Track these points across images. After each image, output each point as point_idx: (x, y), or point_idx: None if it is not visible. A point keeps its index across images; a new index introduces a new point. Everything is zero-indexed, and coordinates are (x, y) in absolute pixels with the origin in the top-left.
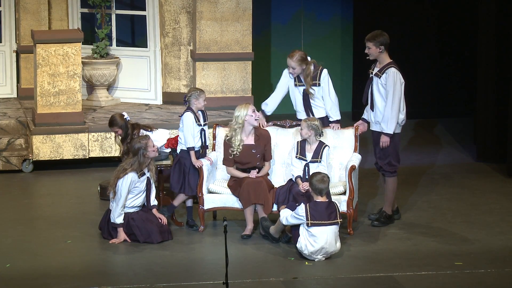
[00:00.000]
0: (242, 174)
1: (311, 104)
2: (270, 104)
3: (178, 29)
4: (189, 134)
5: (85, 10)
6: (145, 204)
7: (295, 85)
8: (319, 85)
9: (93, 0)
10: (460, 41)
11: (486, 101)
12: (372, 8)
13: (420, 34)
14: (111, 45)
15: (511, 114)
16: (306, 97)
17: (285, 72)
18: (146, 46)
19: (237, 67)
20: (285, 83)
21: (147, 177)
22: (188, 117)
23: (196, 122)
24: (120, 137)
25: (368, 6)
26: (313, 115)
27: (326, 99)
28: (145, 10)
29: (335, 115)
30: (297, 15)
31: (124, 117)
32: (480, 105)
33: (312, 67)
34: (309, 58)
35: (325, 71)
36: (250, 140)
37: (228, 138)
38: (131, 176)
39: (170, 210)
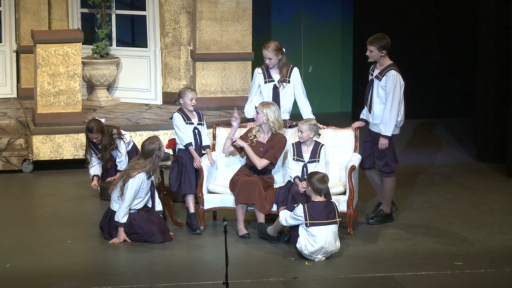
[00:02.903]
0: (265, 162)
1: (279, 103)
2: (251, 110)
3: (178, 29)
4: (180, 133)
5: (85, 10)
6: (150, 205)
7: (265, 82)
8: (289, 82)
9: (93, 0)
10: (460, 41)
11: (486, 101)
12: (372, 8)
13: (420, 34)
14: (111, 45)
15: (511, 114)
16: (276, 93)
17: (256, 73)
18: (146, 46)
19: (237, 67)
20: (257, 84)
21: (151, 180)
22: (176, 117)
23: (186, 121)
24: (97, 143)
25: (368, 6)
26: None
27: (300, 98)
28: (145, 10)
29: (311, 114)
30: (297, 15)
31: (102, 122)
32: (480, 105)
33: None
34: (283, 50)
35: (295, 69)
36: (264, 139)
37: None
38: (142, 176)
39: (193, 219)
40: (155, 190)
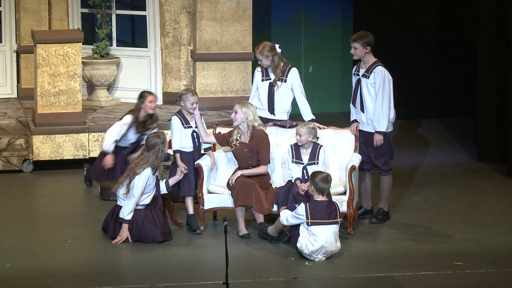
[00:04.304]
0: (209, 137)
1: (275, 102)
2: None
3: (178, 29)
4: (174, 137)
5: (85, 10)
6: (155, 202)
7: (262, 80)
8: (285, 81)
9: (93, 0)
10: (460, 41)
11: (486, 101)
12: (372, 8)
13: (420, 34)
14: (111, 45)
15: (511, 114)
16: (271, 92)
17: (255, 71)
18: (146, 46)
19: (237, 67)
20: (256, 83)
21: (156, 175)
22: (174, 121)
23: (184, 125)
24: (151, 109)
25: (368, 6)
26: (274, 114)
27: (299, 98)
28: (145, 10)
29: (311, 114)
30: (297, 15)
31: None
32: (480, 105)
33: (281, 63)
34: (279, 50)
35: (294, 69)
36: (245, 139)
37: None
38: (148, 171)
39: (192, 220)
40: (159, 185)
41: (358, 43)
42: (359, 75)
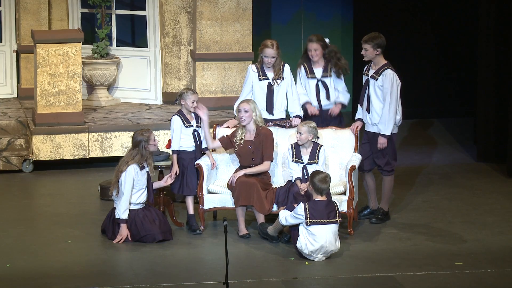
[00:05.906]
0: (215, 143)
1: (274, 101)
2: None
3: (178, 29)
4: (173, 137)
5: (85, 10)
6: (147, 199)
7: (259, 79)
8: (283, 79)
9: (93, 0)
10: (460, 41)
11: (486, 101)
12: (372, 8)
13: (420, 34)
14: (111, 45)
15: (511, 114)
16: (270, 91)
17: (249, 70)
18: (146, 46)
19: (237, 67)
20: (251, 82)
21: (147, 171)
22: (174, 120)
23: (185, 124)
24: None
25: (368, 6)
26: (272, 113)
27: (288, 94)
28: (145, 10)
29: (298, 110)
30: (297, 15)
31: None
32: (480, 105)
33: None
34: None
35: (287, 65)
36: (250, 137)
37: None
38: (134, 167)
39: (192, 220)
40: (151, 182)
41: (369, 44)
42: (368, 76)
